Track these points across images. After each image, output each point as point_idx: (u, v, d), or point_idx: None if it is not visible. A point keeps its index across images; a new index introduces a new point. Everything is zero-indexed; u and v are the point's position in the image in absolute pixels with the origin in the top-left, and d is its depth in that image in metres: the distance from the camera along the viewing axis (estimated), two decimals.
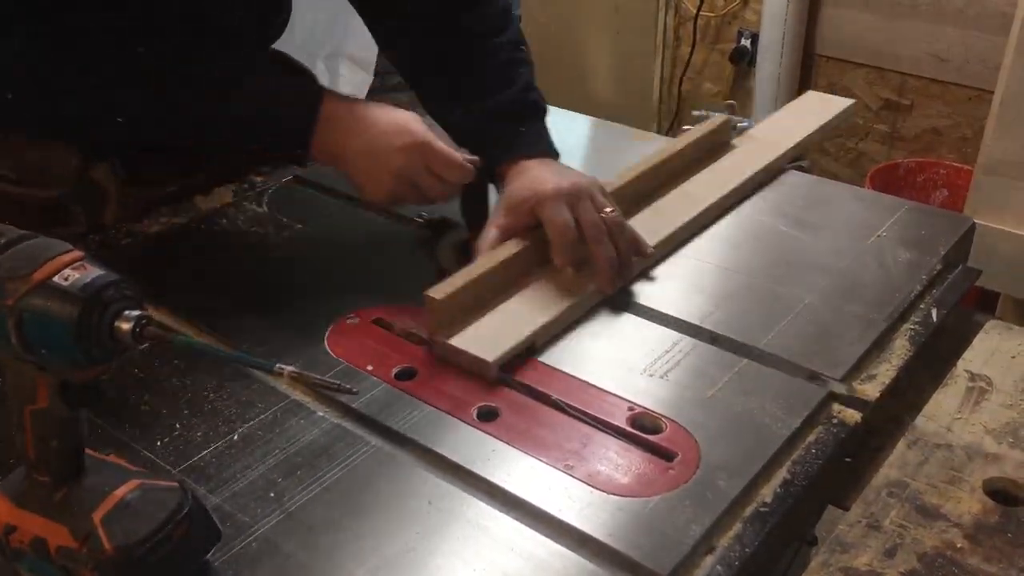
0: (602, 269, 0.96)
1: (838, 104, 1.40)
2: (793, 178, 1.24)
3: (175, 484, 0.67)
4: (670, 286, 1.00)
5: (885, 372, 0.88)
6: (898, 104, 2.54)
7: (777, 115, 1.40)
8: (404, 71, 1.15)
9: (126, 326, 0.59)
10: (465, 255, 1.00)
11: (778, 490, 0.75)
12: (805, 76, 2.65)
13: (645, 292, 0.99)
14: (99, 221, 1.13)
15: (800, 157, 2.74)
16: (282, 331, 0.94)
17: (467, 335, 0.89)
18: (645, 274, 1.02)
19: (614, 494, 0.73)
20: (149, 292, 0.98)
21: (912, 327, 0.95)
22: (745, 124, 2.49)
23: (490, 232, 0.99)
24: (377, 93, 3.70)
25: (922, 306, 0.98)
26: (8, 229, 0.61)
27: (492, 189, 1.07)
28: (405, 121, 0.98)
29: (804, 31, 2.56)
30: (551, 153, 1.06)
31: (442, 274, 0.94)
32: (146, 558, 0.63)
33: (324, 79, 3.13)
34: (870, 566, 0.68)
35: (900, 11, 2.41)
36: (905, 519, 0.72)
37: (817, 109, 1.39)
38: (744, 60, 2.76)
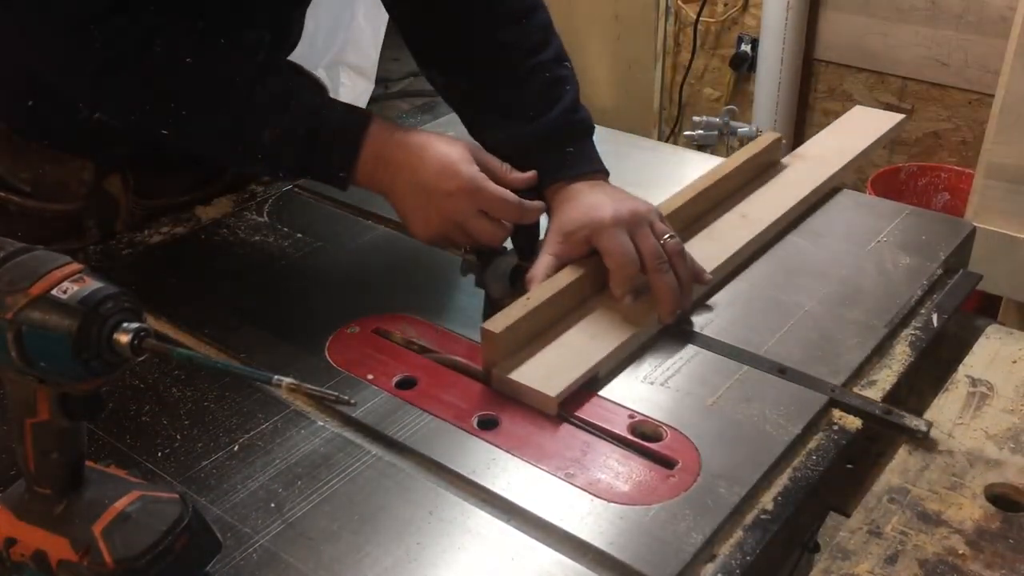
0: (663, 299, 0.92)
1: (888, 119, 1.36)
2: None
3: (176, 495, 0.67)
4: None
5: (886, 378, 0.88)
6: (898, 108, 2.54)
7: (825, 132, 1.35)
8: (444, 93, 1.11)
9: (125, 338, 0.59)
10: (514, 283, 0.96)
11: (779, 497, 0.75)
12: (805, 81, 2.65)
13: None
14: (111, 233, 1.14)
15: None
16: (283, 341, 0.94)
17: (527, 369, 0.86)
18: (701, 302, 0.99)
19: (615, 502, 0.73)
20: (150, 302, 0.99)
21: (913, 332, 0.94)
22: (746, 130, 2.50)
23: (544, 260, 0.95)
24: (379, 100, 3.72)
25: (923, 311, 0.98)
26: (7, 242, 0.61)
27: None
28: (455, 160, 0.92)
29: (804, 36, 2.56)
30: (601, 173, 1.02)
31: (491, 303, 0.92)
32: (147, 570, 0.63)
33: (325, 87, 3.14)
34: (872, 573, 0.68)
35: (899, 15, 2.41)
36: (906, 526, 0.72)
37: (865, 125, 1.35)
38: (744, 65, 2.77)
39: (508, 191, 0.93)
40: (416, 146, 0.93)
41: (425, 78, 1.10)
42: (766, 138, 1.23)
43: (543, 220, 1.00)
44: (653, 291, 0.93)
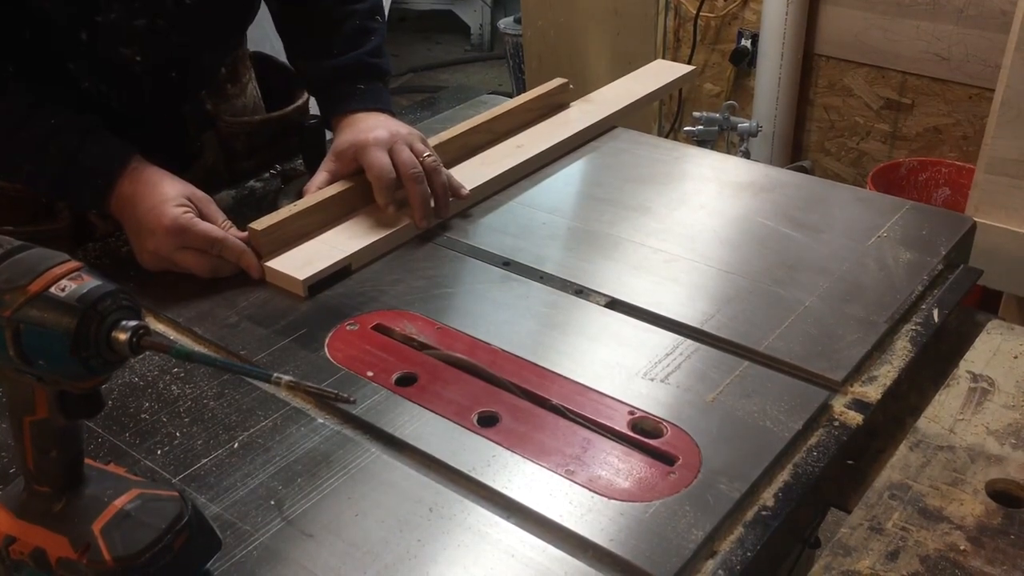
0: (416, 206, 1.09)
1: (679, 70, 1.51)
2: (792, 179, 1.24)
3: (175, 493, 0.67)
4: (670, 289, 1.00)
5: (886, 374, 0.88)
6: (899, 103, 2.53)
7: (621, 79, 1.50)
8: (277, 27, 1.27)
9: (123, 336, 0.59)
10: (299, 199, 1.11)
11: (780, 494, 0.74)
12: (805, 76, 2.65)
13: (645, 295, 0.99)
14: (83, 217, 1.15)
15: (801, 158, 2.73)
16: (282, 338, 0.94)
17: (285, 259, 1.03)
18: (464, 214, 1.15)
19: (615, 499, 0.73)
20: (149, 300, 0.99)
21: (913, 328, 0.94)
22: (747, 125, 2.49)
23: (318, 176, 1.13)
24: None
25: (923, 307, 0.98)
26: (5, 240, 0.61)
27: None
28: (165, 203, 1.01)
29: (804, 31, 2.56)
30: (384, 110, 1.18)
31: None
32: (146, 568, 0.63)
33: None
34: (873, 569, 0.68)
35: (900, 10, 2.40)
36: (907, 521, 0.72)
37: (659, 74, 1.50)
38: (744, 61, 2.76)
39: (214, 227, 1.03)
40: (143, 187, 1.03)
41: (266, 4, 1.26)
42: (553, 82, 1.39)
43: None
44: (408, 200, 1.09)
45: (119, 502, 0.65)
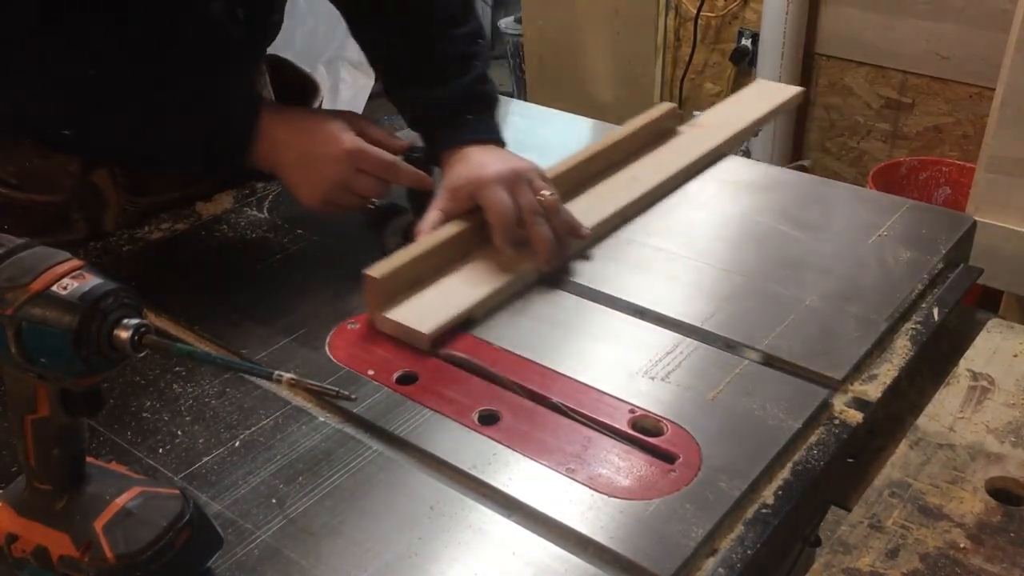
0: (539, 248, 1.00)
1: (785, 92, 1.44)
2: (792, 178, 1.24)
3: (176, 491, 0.67)
4: (670, 287, 1.00)
5: (886, 372, 0.88)
6: (899, 102, 2.53)
7: (725, 102, 1.44)
8: (369, 56, 1.20)
9: (125, 334, 0.59)
10: (409, 239, 1.03)
11: (780, 492, 0.75)
12: (806, 75, 2.65)
13: (645, 293, 0.99)
14: (99, 227, 1.14)
15: (801, 157, 2.73)
16: (283, 336, 0.94)
17: (404, 309, 0.94)
18: (583, 254, 1.07)
19: (615, 497, 0.73)
20: (150, 298, 0.99)
21: (913, 327, 0.94)
22: None
23: (431, 215, 1.03)
24: (379, 96, 3.72)
25: (923, 305, 0.98)
26: (7, 239, 0.61)
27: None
28: (335, 129, 1.01)
29: (804, 30, 2.56)
30: (496, 141, 1.10)
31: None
32: (148, 566, 0.63)
33: (325, 84, 3.14)
34: (873, 567, 0.68)
35: (900, 9, 2.40)
36: (907, 519, 0.72)
37: (764, 96, 1.43)
38: (745, 60, 2.76)
39: (385, 152, 1.02)
40: (298, 123, 1.02)
41: (353, 37, 1.20)
42: (661, 108, 1.31)
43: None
44: (531, 242, 1.01)
45: (121, 500, 0.65)
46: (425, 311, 0.93)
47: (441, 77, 1.11)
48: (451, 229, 1.02)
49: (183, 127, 1.00)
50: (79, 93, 0.97)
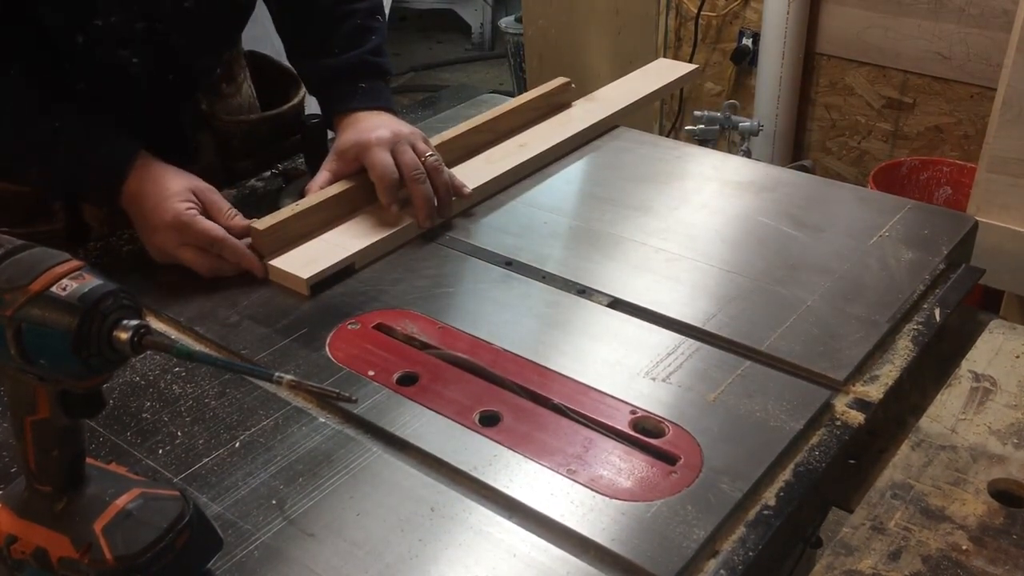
0: (419, 206, 1.09)
1: (681, 68, 1.51)
2: (794, 178, 1.24)
3: (176, 493, 0.67)
4: (672, 288, 1.00)
5: (888, 373, 0.88)
6: (900, 102, 2.53)
7: (624, 78, 1.48)
8: (277, 26, 1.27)
9: (124, 335, 0.59)
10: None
11: (781, 493, 0.74)
12: (807, 75, 2.64)
13: (646, 295, 0.99)
14: (79, 218, 1.15)
15: (803, 157, 2.73)
16: (283, 337, 0.94)
17: (288, 258, 1.03)
18: (466, 213, 1.15)
19: (616, 499, 0.73)
20: (150, 299, 0.99)
21: (915, 327, 0.94)
22: (748, 124, 2.49)
23: (321, 176, 1.13)
24: None
25: (925, 306, 0.97)
26: (6, 239, 0.61)
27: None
28: (169, 198, 1.02)
29: (805, 30, 2.55)
30: (386, 108, 1.18)
31: None
32: (148, 567, 0.63)
33: None
34: (875, 569, 0.68)
35: (901, 9, 2.40)
36: (909, 521, 0.72)
37: (661, 73, 1.49)
38: (745, 60, 2.76)
39: (215, 226, 1.02)
40: (148, 183, 1.03)
41: (267, 9, 1.26)
42: (555, 81, 1.38)
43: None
44: (411, 200, 1.10)
45: (120, 501, 0.64)
46: (307, 260, 1.02)
47: (338, 48, 1.20)
48: (337, 188, 1.11)
49: (59, 160, 1.03)
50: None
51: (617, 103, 1.39)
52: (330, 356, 0.90)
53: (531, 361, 0.89)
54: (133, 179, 1.03)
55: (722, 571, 0.68)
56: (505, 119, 1.30)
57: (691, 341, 0.91)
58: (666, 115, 3.01)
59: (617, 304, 0.98)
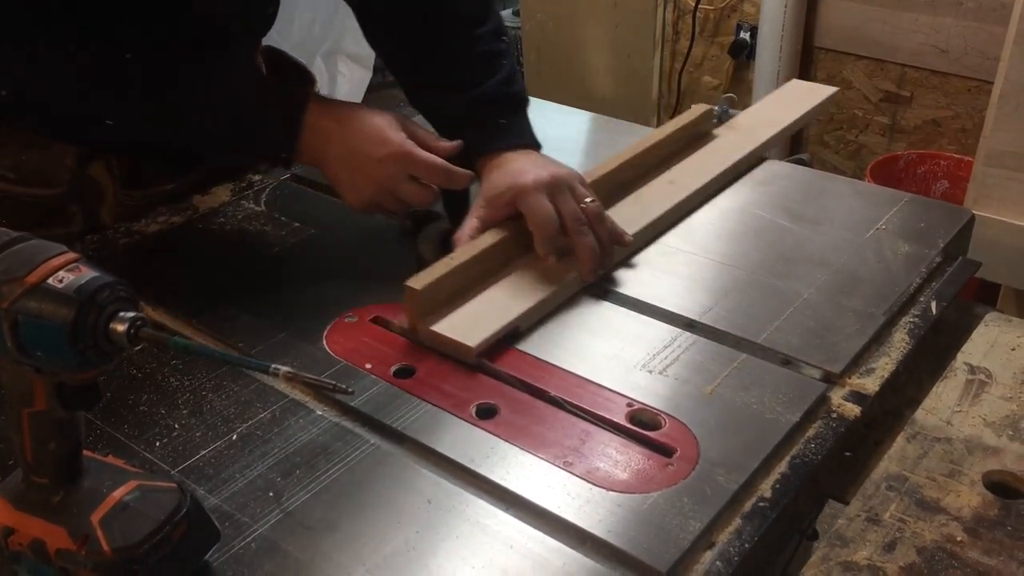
0: (583, 258, 0.97)
1: (820, 92, 1.40)
2: (791, 171, 1.24)
3: (173, 485, 0.67)
4: (668, 281, 1.00)
5: (884, 366, 0.88)
6: (898, 96, 2.53)
7: (760, 104, 1.40)
8: (389, 63, 1.16)
9: (121, 328, 0.59)
10: (446, 247, 0.99)
11: (777, 485, 0.75)
12: (804, 68, 2.64)
13: (643, 287, 0.99)
14: (96, 220, 1.14)
15: (801, 151, 2.74)
16: (280, 330, 0.94)
17: (449, 322, 0.91)
18: (626, 262, 1.04)
19: (613, 490, 0.73)
20: (146, 291, 0.99)
21: (911, 320, 0.94)
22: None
23: (470, 223, 1.00)
24: (377, 89, 3.71)
25: (921, 299, 0.98)
26: (3, 232, 0.61)
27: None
28: (384, 128, 0.97)
29: (803, 23, 2.55)
30: (532, 145, 1.06)
31: (423, 266, 0.94)
32: (145, 559, 0.63)
33: (322, 77, 3.13)
34: (870, 560, 0.68)
35: (899, 3, 2.40)
36: (905, 513, 0.72)
37: (799, 97, 1.40)
38: (743, 53, 2.76)
39: (435, 156, 0.98)
40: (347, 117, 0.97)
41: (369, 44, 1.16)
42: (697, 109, 1.28)
43: (474, 189, 1.04)
44: (574, 251, 0.97)
45: (118, 493, 0.65)
46: (470, 323, 0.90)
47: (468, 80, 1.06)
48: (491, 238, 0.98)
49: (226, 117, 0.96)
50: (106, 77, 0.94)
51: (762, 133, 1.28)
52: (327, 349, 0.90)
53: (528, 354, 0.89)
54: (320, 114, 0.96)
55: (718, 563, 0.68)
56: (651, 152, 1.19)
57: (688, 334, 0.91)
58: (664, 109, 3.01)
59: (613, 297, 0.98)
